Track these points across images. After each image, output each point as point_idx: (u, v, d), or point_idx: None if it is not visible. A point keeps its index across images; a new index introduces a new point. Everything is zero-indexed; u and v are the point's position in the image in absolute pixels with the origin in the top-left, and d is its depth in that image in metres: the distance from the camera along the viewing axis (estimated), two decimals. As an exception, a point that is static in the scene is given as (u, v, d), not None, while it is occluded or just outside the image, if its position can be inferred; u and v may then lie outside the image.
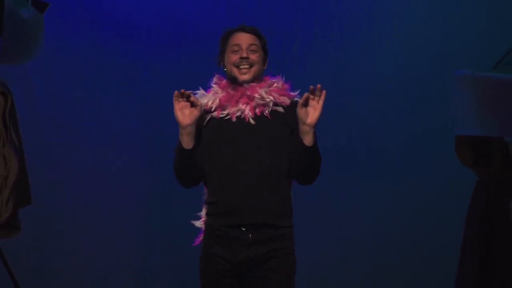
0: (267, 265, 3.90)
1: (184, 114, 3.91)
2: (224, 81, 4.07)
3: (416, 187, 6.08)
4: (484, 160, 4.08)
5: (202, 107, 3.95)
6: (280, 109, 4.02)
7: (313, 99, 3.88)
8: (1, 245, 4.40)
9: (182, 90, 3.90)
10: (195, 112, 3.91)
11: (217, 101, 4.01)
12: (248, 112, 3.98)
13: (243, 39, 4.06)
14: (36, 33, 3.85)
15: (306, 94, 3.87)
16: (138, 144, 6.15)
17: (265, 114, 3.99)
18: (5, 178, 3.78)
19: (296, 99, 4.04)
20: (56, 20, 5.83)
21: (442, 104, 5.56)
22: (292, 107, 4.00)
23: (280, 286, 3.92)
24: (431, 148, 6.03)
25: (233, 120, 3.98)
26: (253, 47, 4.04)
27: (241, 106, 3.99)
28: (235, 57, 4.02)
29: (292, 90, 4.08)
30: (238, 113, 3.99)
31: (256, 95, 4.00)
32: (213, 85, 4.07)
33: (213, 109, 4.01)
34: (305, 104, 3.87)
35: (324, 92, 3.87)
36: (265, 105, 4.00)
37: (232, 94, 4.01)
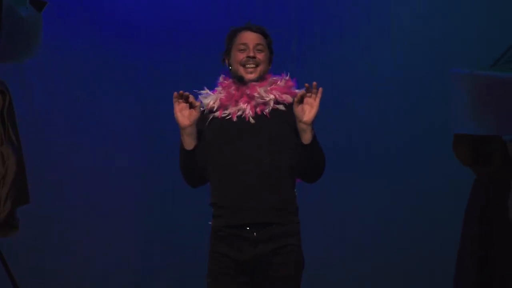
0: (273, 262, 3.90)
1: (184, 115, 3.91)
2: (228, 81, 4.07)
3: (416, 187, 6.08)
4: (484, 159, 4.08)
5: (201, 108, 3.96)
6: (281, 107, 4.01)
7: (310, 96, 3.87)
8: (1, 245, 4.41)
9: (181, 92, 3.90)
10: (194, 113, 3.91)
11: (218, 101, 4.01)
12: (248, 112, 3.98)
13: (250, 38, 4.06)
14: (34, 32, 3.86)
15: (301, 92, 3.87)
16: (138, 144, 6.16)
17: (264, 113, 3.99)
18: (3, 176, 3.79)
19: None
20: (56, 20, 5.84)
21: (442, 104, 5.53)
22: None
23: (286, 283, 3.92)
24: (431, 148, 6.02)
25: (234, 120, 3.98)
26: (259, 47, 4.04)
27: (242, 105, 3.99)
28: (241, 56, 4.02)
29: (298, 87, 4.07)
30: (239, 113, 3.99)
31: (256, 94, 4.00)
32: (219, 85, 4.08)
33: (215, 109, 4.02)
34: (300, 101, 3.87)
35: (320, 89, 3.86)
36: (265, 104, 4.00)
37: (232, 94, 4.01)
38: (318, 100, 3.86)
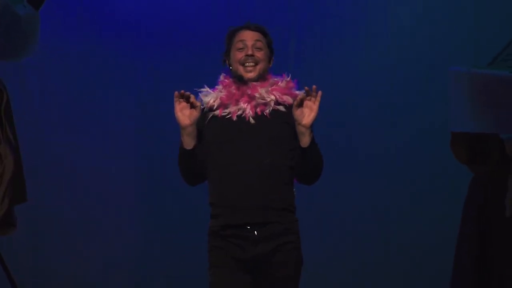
0: (273, 260, 3.90)
1: (184, 114, 3.92)
2: (228, 80, 4.08)
3: (416, 186, 6.08)
4: (481, 158, 4.07)
5: (202, 107, 3.97)
6: (282, 108, 4.02)
7: (309, 99, 3.88)
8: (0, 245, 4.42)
9: (182, 91, 3.91)
10: (195, 113, 3.92)
11: (219, 99, 4.02)
12: (248, 111, 3.98)
13: (249, 37, 4.06)
14: (32, 30, 3.86)
15: (301, 95, 3.88)
16: (138, 144, 6.16)
17: (265, 113, 4.00)
18: (1, 175, 3.79)
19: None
20: (56, 19, 5.86)
21: (442, 104, 5.54)
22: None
23: (286, 282, 3.93)
24: (431, 147, 6.02)
25: (234, 119, 3.99)
26: (258, 44, 4.05)
27: (242, 105, 4.00)
28: (240, 55, 4.03)
29: (298, 89, 4.08)
30: (239, 112, 4.00)
31: (257, 94, 4.00)
32: (219, 84, 4.08)
33: (215, 108, 4.02)
34: (300, 104, 3.88)
35: (320, 93, 3.88)
36: (266, 104, 4.01)
37: (233, 93, 4.02)
38: (317, 103, 3.88)
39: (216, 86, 4.09)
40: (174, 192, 5.88)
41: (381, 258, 6.08)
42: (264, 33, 4.11)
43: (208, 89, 4.08)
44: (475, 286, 4.16)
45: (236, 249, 3.90)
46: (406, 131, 6.10)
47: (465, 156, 4.08)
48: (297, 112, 3.88)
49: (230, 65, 4.09)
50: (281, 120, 3.99)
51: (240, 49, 4.04)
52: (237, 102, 4.00)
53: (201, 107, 3.98)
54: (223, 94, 4.03)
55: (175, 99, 3.92)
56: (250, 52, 4.02)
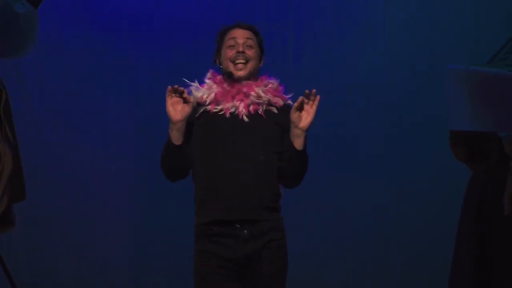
0: (262, 257, 3.91)
1: (176, 110, 3.91)
2: (219, 77, 4.07)
3: (416, 186, 6.08)
4: (480, 157, 4.07)
5: (194, 103, 3.97)
6: (274, 109, 4.03)
7: (307, 103, 3.90)
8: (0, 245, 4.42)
9: (176, 86, 3.91)
10: (187, 109, 3.91)
11: (212, 95, 4.01)
12: (242, 109, 3.98)
13: (240, 35, 4.07)
14: (30, 29, 3.86)
15: (301, 98, 3.89)
16: (138, 143, 6.16)
17: (259, 112, 4.00)
18: (0, 173, 3.78)
19: (288, 102, 4.07)
20: (56, 18, 5.86)
21: (441, 103, 5.53)
22: (284, 109, 4.04)
23: (274, 278, 3.94)
24: (431, 147, 6.02)
25: (227, 116, 3.98)
26: (249, 42, 4.05)
27: (236, 102, 4.00)
28: (231, 52, 4.03)
29: (285, 93, 4.10)
30: (232, 109, 4.00)
31: (253, 93, 4.01)
32: (207, 80, 4.07)
33: (207, 103, 4.02)
34: (299, 108, 3.89)
35: (318, 97, 3.90)
36: (259, 103, 4.01)
37: (228, 90, 4.02)
38: (315, 107, 3.90)
39: (205, 83, 4.08)
40: (174, 192, 5.86)
41: (381, 258, 6.08)
42: (255, 32, 4.12)
43: (197, 84, 4.08)
44: (475, 286, 4.16)
45: (226, 249, 3.89)
46: (406, 130, 6.10)
47: (464, 155, 4.08)
48: (295, 115, 3.90)
49: (220, 64, 4.09)
50: (274, 120, 4.01)
51: (231, 46, 4.05)
52: (232, 99, 4.00)
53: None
54: (216, 90, 4.02)
55: (167, 93, 3.91)
56: (241, 49, 4.03)
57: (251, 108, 4.00)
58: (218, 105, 4.00)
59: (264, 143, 3.96)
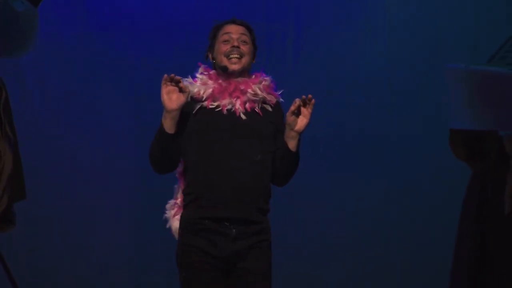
0: (248, 257, 3.91)
1: (171, 98, 3.89)
2: (213, 72, 4.07)
3: (416, 186, 6.08)
4: (479, 155, 4.06)
5: (190, 94, 3.95)
6: (268, 107, 4.04)
7: (304, 106, 3.92)
8: (0, 245, 4.41)
9: (172, 75, 3.89)
10: (182, 98, 3.90)
11: (210, 91, 3.99)
12: (238, 107, 3.98)
13: (234, 30, 4.07)
14: (30, 28, 3.86)
15: (298, 102, 3.89)
16: (138, 143, 6.14)
17: (256, 110, 4.00)
18: (0, 172, 3.78)
19: (280, 99, 4.08)
20: (56, 17, 5.86)
21: (441, 103, 5.55)
22: (276, 107, 4.04)
23: (260, 278, 3.93)
24: (431, 147, 6.02)
25: (224, 113, 3.98)
26: (243, 38, 4.05)
27: (233, 99, 4.00)
28: (225, 47, 4.02)
29: (276, 90, 4.11)
30: (229, 106, 3.99)
31: (250, 90, 4.00)
32: (199, 76, 4.05)
33: (204, 99, 4.01)
34: (296, 111, 3.90)
35: (313, 101, 3.91)
36: (255, 101, 4.01)
37: (225, 87, 4.01)
38: (310, 111, 3.91)
39: (197, 78, 4.07)
40: (173, 190, 5.87)
41: (381, 258, 6.07)
42: (249, 29, 4.12)
43: (191, 79, 4.07)
44: (475, 284, 4.16)
45: (212, 246, 3.89)
46: (406, 130, 6.10)
47: (464, 155, 4.07)
48: (291, 118, 3.91)
49: (213, 59, 4.08)
50: (269, 119, 4.01)
51: (225, 41, 4.04)
52: (229, 96, 3.99)
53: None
54: (212, 86, 4.01)
55: (163, 81, 3.90)
56: (236, 44, 4.02)
57: (247, 105, 3.99)
58: (214, 101, 3.99)
59: (261, 142, 3.96)
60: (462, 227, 4.21)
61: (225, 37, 4.04)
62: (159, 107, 6.01)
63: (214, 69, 4.07)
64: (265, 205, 3.98)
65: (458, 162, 4.32)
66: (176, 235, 4.06)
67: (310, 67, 6.04)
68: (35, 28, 3.86)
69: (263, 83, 4.05)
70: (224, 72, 4.01)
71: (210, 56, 4.10)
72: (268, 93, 4.05)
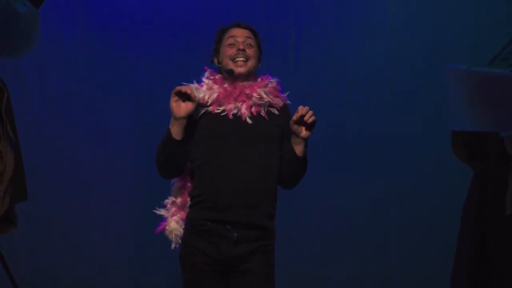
0: (250, 259, 3.90)
1: (180, 106, 3.91)
2: (218, 76, 4.07)
3: (416, 186, 6.08)
4: (480, 156, 4.07)
5: (198, 101, 3.96)
6: (275, 111, 4.04)
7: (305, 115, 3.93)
8: (0, 245, 4.41)
9: (184, 89, 3.89)
10: (190, 106, 3.91)
11: (215, 95, 4.00)
12: (244, 111, 3.98)
13: (240, 33, 4.07)
14: (31, 29, 3.86)
15: (300, 112, 3.89)
16: (138, 143, 6.15)
17: (262, 114, 4.00)
18: (1, 173, 3.78)
19: (287, 102, 4.08)
20: (57, 18, 5.86)
21: (442, 103, 5.55)
22: (283, 110, 4.04)
23: (263, 278, 3.93)
24: (431, 147, 6.02)
25: (230, 117, 3.98)
26: (249, 41, 4.05)
27: (238, 103, 4.00)
28: (231, 51, 4.03)
29: (282, 92, 4.11)
30: (235, 111, 3.99)
31: (255, 94, 4.00)
32: (205, 80, 4.06)
33: (209, 104, 4.01)
34: (298, 121, 3.91)
35: (310, 112, 3.91)
36: (261, 105, 4.01)
37: (230, 91, 4.01)
38: (313, 118, 3.91)
39: (203, 82, 4.07)
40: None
41: (381, 258, 6.08)
42: (254, 33, 4.12)
43: (196, 84, 4.07)
44: (476, 283, 4.16)
45: (214, 248, 3.89)
46: (406, 130, 6.10)
47: (465, 156, 4.08)
48: (294, 127, 3.91)
49: (219, 63, 4.08)
50: (275, 122, 4.01)
51: (231, 45, 4.04)
52: (234, 100, 4.00)
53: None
54: (218, 91, 4.02)
55: (172, 93, 3.91)
56: (241, 47, 4.02)
57: (253, 109, 3.99)
58: (220, 106, 4.00)
59: (267, 146, 3.96)
60: (464, 225, 4.22)
61: (230, 40, 4.04)
62: (159, 107, 6.02)
63: (220, 73, 4.06)
64: (270, 209, 3.97)
65: (458, 162, 4.33)
66: (171, 236, 4.06)
67: (310, 67, 6.05)
68: (36, 29, 3.86)
69: (269, 86, 4.05)
70: (230, 76, 4.01)
71: (215, 60, 4.10)
72: (275, 96, 4.05)
